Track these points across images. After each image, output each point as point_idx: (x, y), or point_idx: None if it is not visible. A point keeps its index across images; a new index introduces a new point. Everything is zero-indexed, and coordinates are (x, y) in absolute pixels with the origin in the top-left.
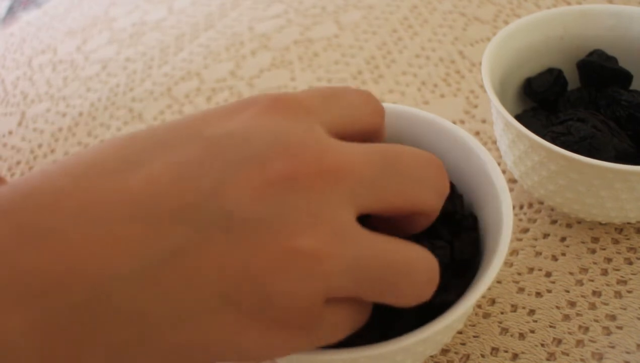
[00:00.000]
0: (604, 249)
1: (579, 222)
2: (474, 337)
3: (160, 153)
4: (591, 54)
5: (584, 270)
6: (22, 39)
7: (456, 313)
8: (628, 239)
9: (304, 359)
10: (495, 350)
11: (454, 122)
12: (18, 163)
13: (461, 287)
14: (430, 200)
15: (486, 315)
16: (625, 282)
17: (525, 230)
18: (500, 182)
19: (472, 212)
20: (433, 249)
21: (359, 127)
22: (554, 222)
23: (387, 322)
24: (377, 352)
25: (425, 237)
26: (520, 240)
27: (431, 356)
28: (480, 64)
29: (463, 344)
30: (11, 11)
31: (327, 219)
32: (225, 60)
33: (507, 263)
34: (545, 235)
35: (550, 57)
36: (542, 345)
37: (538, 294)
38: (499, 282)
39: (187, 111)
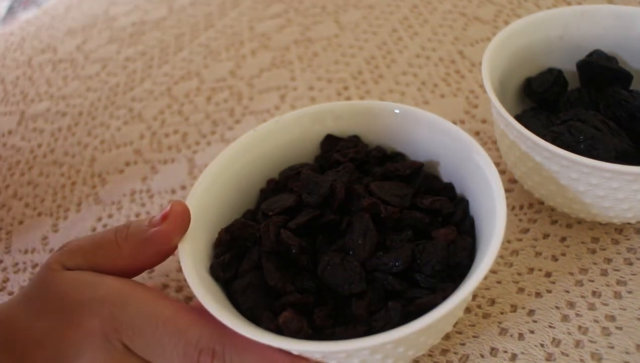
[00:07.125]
0: (604, 249)
1: (579, 222)
2: (474, 337)
3: None
4: (591, 54)
5: (584, 270)
6: (22, 38)
7: (436, 314)
8: (628, 239)
9: (282, 347)
10: (494, 351)
11: (454, 122)
12: (18, 163)
13: (449, 290)
14: None
15: (486, 315)
16: (625, 283)
17: (526, 231)
18: (497, 187)
19: (470, 216)
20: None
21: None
22: (554, 222)
23: (374, 321)
24: (353, 347)
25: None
26: (520, 240)
27: (430, 356)
28: (480, 64)
29: (462, 344)
30: (11, 11)
31: None
32: (225, 60)
33: (507, 264)
34: (545, 235)
35: (550, 57)
36: (542, 345)
37: (538, 294)
38: (498, 282)
39: (187, 111)
